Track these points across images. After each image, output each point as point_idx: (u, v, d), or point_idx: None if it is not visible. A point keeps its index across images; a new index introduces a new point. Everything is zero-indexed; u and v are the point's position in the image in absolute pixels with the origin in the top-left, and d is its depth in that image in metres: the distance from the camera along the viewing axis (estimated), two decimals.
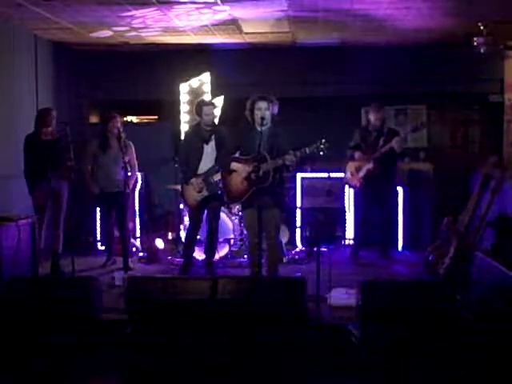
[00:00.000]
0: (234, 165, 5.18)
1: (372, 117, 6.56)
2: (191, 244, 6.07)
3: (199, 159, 5.85)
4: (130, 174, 6.21)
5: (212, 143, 5.87)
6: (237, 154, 5.23)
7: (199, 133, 5.91)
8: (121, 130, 6.19)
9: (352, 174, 6.60)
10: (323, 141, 4.87)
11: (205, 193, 5.84)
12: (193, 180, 5.83)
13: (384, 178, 6.44)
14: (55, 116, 6.02)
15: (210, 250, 6.08)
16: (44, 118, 5.98)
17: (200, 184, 5.81)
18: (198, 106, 5.97)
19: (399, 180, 6.94)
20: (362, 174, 6.52)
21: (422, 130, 8.15)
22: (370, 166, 6.44)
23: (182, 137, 6.75)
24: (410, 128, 6.75)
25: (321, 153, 4.89)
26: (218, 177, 5.75)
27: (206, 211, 6.05)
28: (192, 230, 6.06)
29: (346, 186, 7.01)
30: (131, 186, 6.41)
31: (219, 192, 5.84)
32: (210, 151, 5.87)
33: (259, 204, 4.95)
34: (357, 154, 6.56)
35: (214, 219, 6.04)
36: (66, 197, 6.10)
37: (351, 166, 6.61)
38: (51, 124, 5.95)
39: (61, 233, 6.08)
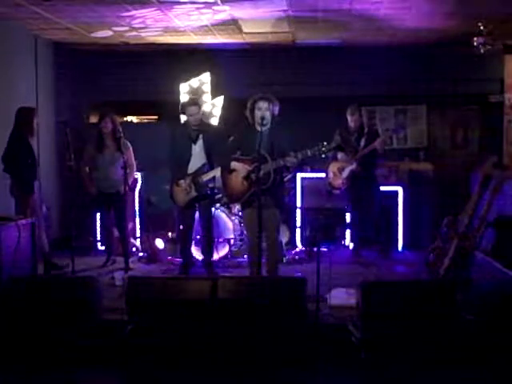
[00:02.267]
0: (235, 164, 5.16)
1: (348, 118, 6.59)
2: (187, 244, 6.05)
3: (188, 159, 5.80)
4: (128, 173, 6.19)
5: (200, 143, 5.82)
6: (237, 154, 5.22)
7: (187, 133, 5.85)
8: (118, 129, 6.17)
9: (335, 175, 6.62)
10: (325, 143, 4.86)
11: (193, 193, 5.78)
12: (181, 181, 5.79)
13: (366, 179, 6.48)
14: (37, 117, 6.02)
15: (208, 251, 6.05)
16: (31, 117, 5.92)
17: (189, 184, 5.77)
18: (183, 106, 5.91)
19: (398, 180, 6.95)
20: (345, 174, 6.54)
21: (422, 132, 8.19)
22: (353, 166, 6.47)
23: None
24: (391, 129, 6.74)
25: (322, 155, 4.88)
26: (206, 177, 5.75)
27: (197, 212, 6.02)
28: (185, 231, 6.03)
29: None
30: (129, 186, 6.36)
31: (209, 192, 5.83)
32: (198, 151, 5.82)
33: (259, 204, 4.95)
34: (339, 155, 6.60)
35: (207, 219, 5.97)
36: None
37: (334, 166, 6.63)
38: (35, 125, 5.92)
39: (44, 232, 6.08)
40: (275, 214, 5.15)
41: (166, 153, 6.76)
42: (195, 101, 6.06)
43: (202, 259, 6.18)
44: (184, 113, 5.88)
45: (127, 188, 6.20)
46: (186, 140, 5.83)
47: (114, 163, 6.13)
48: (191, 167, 5.82)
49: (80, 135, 6.97)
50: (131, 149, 6.34)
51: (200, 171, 5.79)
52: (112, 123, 6.22)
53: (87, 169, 6.32)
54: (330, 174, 6.68)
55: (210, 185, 5.85)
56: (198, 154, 5.82)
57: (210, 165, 5.84)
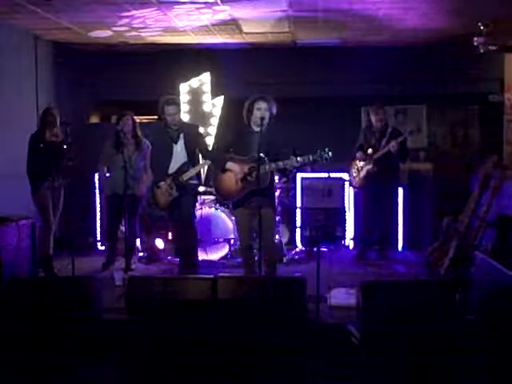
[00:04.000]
0: (230, 165, 5.13)
1: (373, 118, 6.57)
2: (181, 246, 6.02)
3: (169, 160, 5.72)
4: (147, 174, 6.14)
5: (181, 142, 5.74)
6: (231, 154, 5.19)
7: (167, 133, 5.77)
8: (136, 128, 6.12)
9: (354, 174, 6.63)
10: (327, 149, 4.81)
11: (175, 193, 5.70)
12: (162, 183, 5.71)
13: (384, 179, 6.45)
14: (56, 115, 5.95)
15: (191, 249, 5.91)
16: (44, 117, 5.97)
17: (169, 185, 5.70)
18: (161, 106, 5.74)
19: (399, 180, 6.94)
20: (362, 174, 6.54)
21: (421, 131, 8.18)
22: (369, 166, 6.46)
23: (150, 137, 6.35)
24: (407, 132, 6.72)
25: (324, 161, 4.83)
26: (187, 176, 5.69)
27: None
28: (176, 233, 5.98)
29: (347, 186, 7.03)
30: (139, 188, 6.20)
31: (191, 190, 5.77)
32: (179, 150, 5.74)
33: (255, 204, 4.93)
34: (358, 155, 6.58)
35: (186, 217, 5.81)
36: (63, 199, 6.06)
37: (354, 166, 6.63)
38: (53, 124, 5.89)
39: (52, 234, 6.03)
40: (270, 214, 5.13)
41: None
42: (173, 100, 5.89)
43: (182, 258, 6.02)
44: (163, 113, 5.73)
45: (141, 188, 6.16)
46: (166, 141, 5.75)
47: (134, 163, 6.01)
48: (172, 167, 5.74)
49: (81, 135, 6.96)
50: (150, 149, 6.17)
51: (180, 171, 5.71)
52: (132, 122, 6.13)
53: (105, 169, 6.24)
54: (351, 173, 6.70)
55: (193, 181, 5.77)
56: (179, 154, 5.74)
57: (190, 163, 5.76)
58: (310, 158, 4.83)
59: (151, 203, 5.95)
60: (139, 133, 6.14)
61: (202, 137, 6.15)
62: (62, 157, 5.87)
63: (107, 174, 6.30)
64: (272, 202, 5.17)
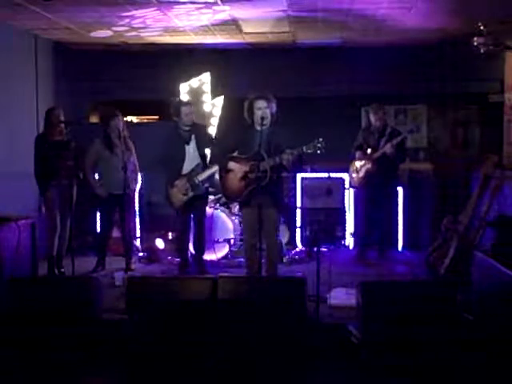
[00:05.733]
0: (232, 164, 5.15)
1: (372, 118, 6.57)
2: (184, 247, 6.04)
3: (182, 160, 5.78)
4: (136, 173, 6.22)
5: (193, 143, 5.81)
6: (235, 154, 5.21)
7: (178, 134, 5.83)
8: (123, 128, 6.14)
9: (353, 174, 6.63)
10: (320, 139, 4.85)
11: (190, 194, 5.76)
12: (177, 182, 5.76)
13: (383, 179, 6.44)
14: (59, 115, 5.95)
15: (199, 250, 6.04)
16: (47, 117, 5.97)
17: (185, 185, 5.75)
18: (176, 107, 5.81)
19: (399, 180, 6.93)
20: (361, 174, 6.54)
21: (421, 131, 8.18)
22: (368, 166, 6.46)
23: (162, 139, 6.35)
24: (407, 131, 6.73)
25: (318, 151, 4.86)
26: (201, 177, 5.74)
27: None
28: (183, 233, 6.01)
29: (347, 186, 7.03)
30: (134, 187, 6.34)
31: (204, 192, 5.85)
32: (191, 151, 5.81)
33: (258, 203, 4.94)
34: (357, 155, 6.58)
35: (201, 219, 5.99)
36: (75, 198, 6.02)
37: (353, 165, 6.63)
38: (56, 123, 5.89)
39: (67, 235, 6.04)
40: (273, 214, 5.14)
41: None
42: (188, 100, 6.01)
43: (194, 256, 6.14)
44: (178, 114, 5.79)
45: (135, 187, 6.25)
46: (179, 141, 5.81)
47: (124, 163, 5.99)
48: (185, 168, 5.79)
49: (80, 135, 6.96)
50: (133, 149, 6.25)
51: (195, 172, 5.77)
52: (122, 122, 6.17)
53: (90, 169, 6.21)
54: (350, 173, 6.70)
55: (206, 184, 5.84)
56: (191, 155, 5.81)
57: (204, 164, 5.82)
58: (304, 148, 4.87)
59: (165, 203, 6.00)
60: (124, 132, 6.14)
61: (211, 137, 6.22)
62: (68, 155, 5.85)
63: (96, 175, 6.26)
64: (277, 202, 5.16)
